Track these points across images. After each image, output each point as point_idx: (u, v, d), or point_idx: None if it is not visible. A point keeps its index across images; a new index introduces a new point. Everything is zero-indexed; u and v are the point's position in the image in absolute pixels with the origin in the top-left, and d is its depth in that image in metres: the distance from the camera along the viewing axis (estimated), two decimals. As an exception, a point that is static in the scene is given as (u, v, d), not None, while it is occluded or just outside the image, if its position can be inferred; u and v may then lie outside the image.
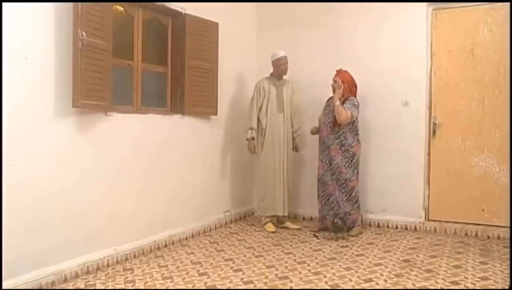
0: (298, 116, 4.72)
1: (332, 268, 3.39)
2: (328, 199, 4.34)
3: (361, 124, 4.67)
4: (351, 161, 4.26)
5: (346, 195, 4.27)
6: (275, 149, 4.52)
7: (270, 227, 4.54)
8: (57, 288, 2.98)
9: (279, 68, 4.54)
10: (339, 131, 4.24)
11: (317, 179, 4.46)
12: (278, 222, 4.67)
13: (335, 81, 4.27)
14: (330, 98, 4.40)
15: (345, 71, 4.31)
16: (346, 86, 4.24)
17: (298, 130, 4.70)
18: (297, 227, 4.61)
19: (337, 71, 4.33)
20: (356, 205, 4.31)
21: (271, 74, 4.62)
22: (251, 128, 4.52)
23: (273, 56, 4.57)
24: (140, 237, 3.71)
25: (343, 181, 4.26)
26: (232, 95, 4.92)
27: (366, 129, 4.68)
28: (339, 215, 4.28)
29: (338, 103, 4.16)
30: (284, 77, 4.63)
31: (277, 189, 4.53)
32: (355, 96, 4.29)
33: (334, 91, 4.26)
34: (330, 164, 4.30)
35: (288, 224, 4.65)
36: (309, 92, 4.91)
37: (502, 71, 4.23)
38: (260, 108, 4.54)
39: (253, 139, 4.53)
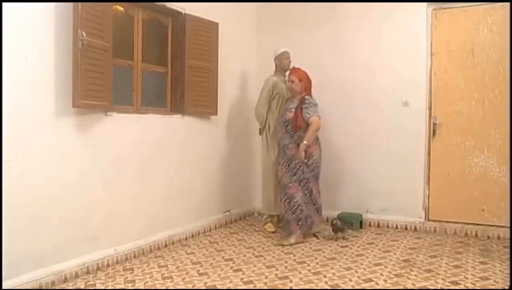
0: None
1: (332, 268, 3.39)
2: (289, 203, 4.10)
3: (362, 124, 4.67)
4: (308, 161, 4.04)
5: (307, 197, 4.10)
6: None
7: (270, 227, 4.54)
8: (57, 288, 2.99)
9: (284, 63, 4.49)
10: (292, 131, 4.06)
11: (277, 182, 4.28)
12: (279, 221, 4.67)
13: (292, 81, 4.15)
14: (288, 99, 4.29)
15: (300, 69, 4.21)
16: (303, 84, 4.14)
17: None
18: None
19: (291, 69, 4.24)
20: (314, 208, 4.14)
21: (275, 71, 4.58)
22: (265, 127, 4.51)
23: (276, 52, 4.52)
24: (140, 237, 3.71)
25: (306, 181, 4.08)
26: (232, 95, 4.92)
27: (366, 129, 4.68)
28: (301, 220, 4.06)
29: (305, 142, 3.95)
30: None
31: None
32: (310, 93, 4.22)
33: (291, 91, 4.19)
34: (289, 165, 4.09)
35: None
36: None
37: (502, 71, 4.23)
38: (270, 105, 4.48)
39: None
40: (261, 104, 4.51)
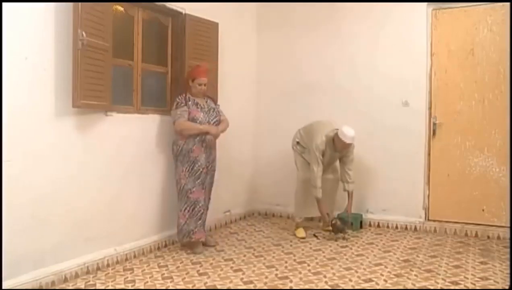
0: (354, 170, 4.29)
1: (332, 268, 3.39)
2: (193, 209, 3.74)
3: (361, 124, 4.66)
4: (211, 164, 3.93)
5: (206, 204, 3.90)
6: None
7: (301, 232, 4.33)
8: (57, 288, 2.99)
9: (339, 146, 4.09)
10: None
11: (181, 190, 3.75)
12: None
13: (205, 84, 3.80)
14: (192, 97, 3.80)
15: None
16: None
17: (350, 184, 4.27)
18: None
19: (205, 71, 3.83)
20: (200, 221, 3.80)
21: (333, 140, 4.11)
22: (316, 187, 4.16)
23: (342, 134, 4.00)
24: (140, 237, 3.72)
25: (205, 187, 3.86)
26: (232, 95, 4.90)
27: (366, 129, 4.68)
28: (203, 226, 3.82)
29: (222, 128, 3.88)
30: None
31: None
32: None
33: (202, 93, 3.83)
34: (193, 168, 3.75)
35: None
36: (308, 94, 4.90)
37: (502, 71, 4.23)
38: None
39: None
40: (313, 164, 4.13)
